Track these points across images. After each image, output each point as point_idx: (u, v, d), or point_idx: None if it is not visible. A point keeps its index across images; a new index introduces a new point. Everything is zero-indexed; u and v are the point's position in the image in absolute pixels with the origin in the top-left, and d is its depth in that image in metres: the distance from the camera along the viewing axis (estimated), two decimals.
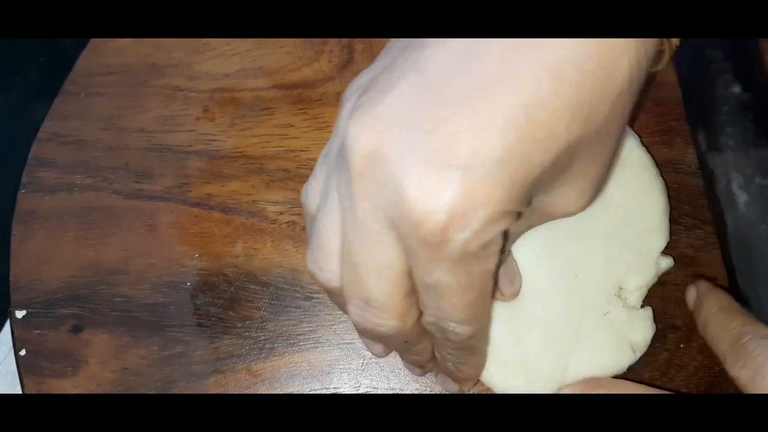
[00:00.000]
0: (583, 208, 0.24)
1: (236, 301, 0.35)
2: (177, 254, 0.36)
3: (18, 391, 0.35)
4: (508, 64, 0.19)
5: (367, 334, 0.24)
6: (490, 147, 0.19)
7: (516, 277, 0.30)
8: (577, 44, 0.20)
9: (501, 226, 0.20)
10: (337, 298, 0.24)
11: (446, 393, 0.32)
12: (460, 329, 0.23)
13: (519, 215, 0.22)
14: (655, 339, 0.31)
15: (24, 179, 0.38)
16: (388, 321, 0.23)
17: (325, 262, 0.23)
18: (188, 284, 0.35)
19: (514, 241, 0.27)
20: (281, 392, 0.33)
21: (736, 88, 0.29)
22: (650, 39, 0.21)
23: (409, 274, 0.22)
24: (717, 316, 0.29)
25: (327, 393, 0.33)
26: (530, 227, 0.26)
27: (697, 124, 0.30)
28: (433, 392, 0.33)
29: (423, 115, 0.20)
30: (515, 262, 0.30)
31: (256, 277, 0.35)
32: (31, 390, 0.34)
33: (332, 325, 0.34)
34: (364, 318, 0.23)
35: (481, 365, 0.29)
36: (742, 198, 0.29)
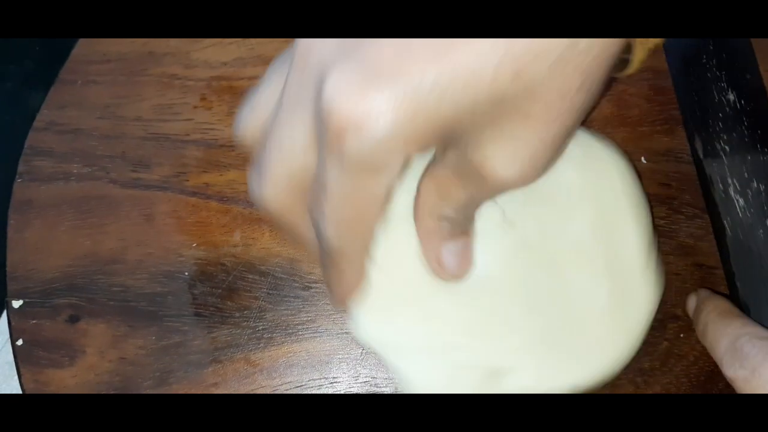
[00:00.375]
0: (518, 178, 0.23)
1: (234, 290, 0.35)
2: (174, 244, 0.35)
3: (15, 381, 0.35)
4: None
5: (255, 201, 0.26)
6: (413, 74, 0.20)
7: (467, 257, 0.29)
8: None
9: (399, 153, 0.21)
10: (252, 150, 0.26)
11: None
12: (329, 239, 0.24)
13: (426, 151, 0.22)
14: (655, 329, 0.31)
15: (20, 168, 0.37)
16: (266, 190, 0.24)
17: (251, 118, 0.25)
18: (186, 274, 0.35)
19: (474, 212, 0.27)
20: (280, 382, 0.33)
21: (731, 95, 0.29)
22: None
23: (307, 170, 0.23)
24: (715, 321, 0.29)
25: (326, 383, 0.33)
26: (479, 196, 0.26)
27: (694, 131, 0.30)
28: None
29: (359, 46, 0.21)
30: (473, 243, 0.29)
31: (255, 266, 0.35)
32: (28, 380, 0.34)
33: (331, 314, 0.34)
34: (252, 182, 0.25)
35: (346, 290, 0.28)
36: (739, 203, 0.29)
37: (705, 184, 0.31)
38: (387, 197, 0.24)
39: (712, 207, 0.30)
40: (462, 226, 0.28)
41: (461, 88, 0.20)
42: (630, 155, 0.34)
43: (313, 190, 0.24)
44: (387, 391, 0.33)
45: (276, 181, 0.24)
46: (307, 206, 0.25)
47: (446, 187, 0.25)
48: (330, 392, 0.33)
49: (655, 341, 0.32)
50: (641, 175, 0.34)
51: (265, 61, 0.38)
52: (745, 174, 0.29)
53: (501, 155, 0.23)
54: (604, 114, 0.35)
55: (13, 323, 0.35)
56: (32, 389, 0.34)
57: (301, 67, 0.23)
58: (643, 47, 0.25)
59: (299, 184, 0.24)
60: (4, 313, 0.35)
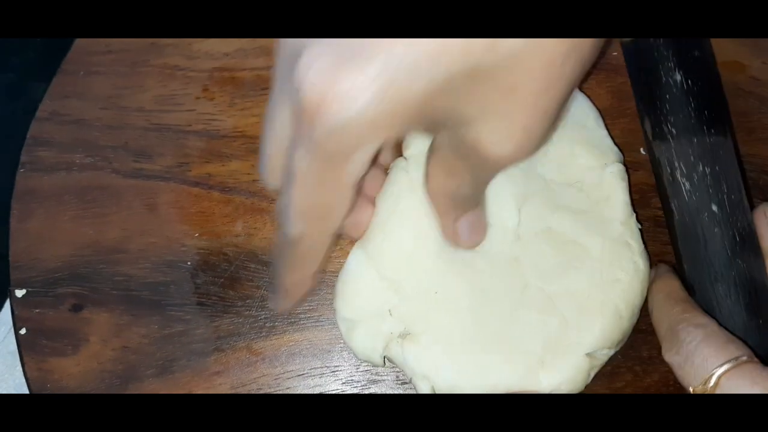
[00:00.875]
0: (515, 153, 0.23)
1: (236, 280, 0.35)
2: (177, 233, 0.36)
3: (18, 371, 0.35)
4: None
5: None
6: (382, 53, 0.20)
7: (480, 228, 0.30)
8: None
9: (371, 136, 0.21)
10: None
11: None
12: (290, 224, 0.24)
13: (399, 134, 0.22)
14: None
15: (23, 158, 0.37)
16: (263, 172, 0.25)
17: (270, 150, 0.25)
18: (188, 263, 0.35)
19: (484, 186, 0.27)
20: (282, 370, 0.33)
21: (678, 76, 0.29)
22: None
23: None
24: (661, 301, 0.30)
25: (327, 371, 0.33)
26: (484, 173, 0.26)
27: (644, 113, 0.30)
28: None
29: (339, 42, 0.21)
30: (486, 213, 0.30)
31: (257, 256, 0.35)
32: (32, 368, 0.34)
33: (332, 303, 0.34)
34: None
35: (295, 286, 0.28)
36: (685, 186, 0.29)
37: (655, 167, 0.31)
38: (354, 188, 0.23)
39: (662, 190, 0.30)
40: (472, 200, 0.28)
41: (432, 62, 0.20)
42: (630, 146, 0.35)
43: (282, 173, 0.24)
44: (387, 379, 0.33)
45: (270, 164, 0.25)
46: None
47: (451, 167, 0.25)
48: (331, 380, 0.33)
49: (654, 330, 0.32)
50: (641, 166, 0.35)
51: (267, 52, 0.38)
52: (692, 157, 0.29)
53: (493, 132, 0.23)
54: (604, 106, 0.35)
55: (16, 312, 0.35)
56: (36, 378, 0.34)
57: (282, 54, 0.23)
58: None
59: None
60: (7, 303, 0.36)
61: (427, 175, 0.27)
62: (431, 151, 0.26)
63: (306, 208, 0.24)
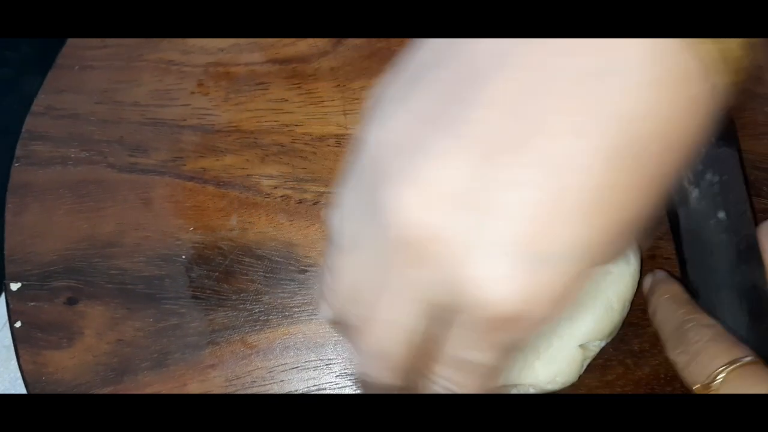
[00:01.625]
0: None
1: (231, 274, 0.35)
2: (172, 227, 0.36)
3: (13, 364, 0.35)
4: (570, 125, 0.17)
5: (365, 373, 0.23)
6: (566, 234, 0.17)
7: None
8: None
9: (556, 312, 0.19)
10: (340, 328, 0.23)
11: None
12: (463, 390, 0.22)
13: None
14: (644, 312, 0.31)
15: (18, 152, 0.38)
16: (385, 374, 0.22)
17: (342, 301, 0.22)
18: (183, 257, 0.35)
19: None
20: (276, 363, 0.33)
21: None
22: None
23: (428, 341, 0.21)
24: (665, 304, 0.30)
25: (321, 364, 0.33)
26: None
27: None
28: None
29: (484, 193, 0.17)
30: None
31: (251, 250, 0.35)
32: (27, 361, 0.34)
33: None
34: (364, 364, 0.22)
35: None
36: (693, 193, 0.30)
37: None
38: None
39: (668, 197, 0.31)
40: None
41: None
42: None
43: (446, 366, 0.21)
44: None
45: (388, 364, 0.21)
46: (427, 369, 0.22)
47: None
48: (325, 373, 0.33)
49: (645, 324, 0.32)
50: None
51: (262, 48, 0.38)
52: (700, 166, 0.30)
53: None
54: None
55: (11, 305, 0.35)
56: (30, 371, 0.34)
57: (406, 248, 0.18)
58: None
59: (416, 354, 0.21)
60: (2, 296, 0.36)
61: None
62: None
63: (481, 387, 0.22)
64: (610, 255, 0.18)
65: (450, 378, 0.22)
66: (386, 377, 0.22)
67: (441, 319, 0.20)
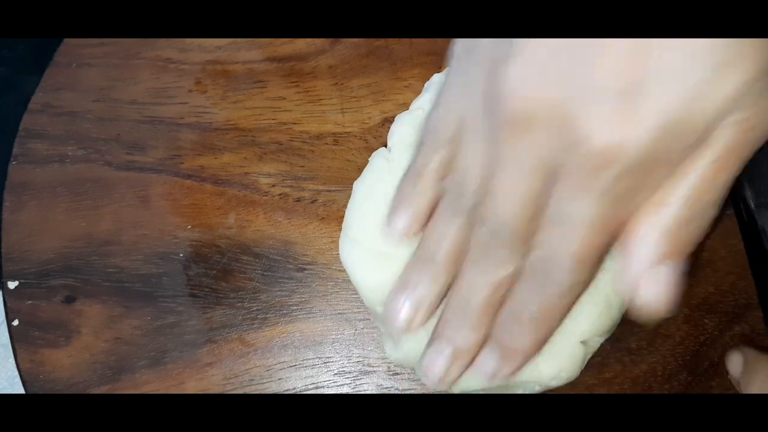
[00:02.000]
0: None
1: (229, 272, 0.35)
2: (169, 225, 0.36)
3: (10, 363, 0.35)
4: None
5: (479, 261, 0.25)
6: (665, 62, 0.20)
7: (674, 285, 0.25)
8: None
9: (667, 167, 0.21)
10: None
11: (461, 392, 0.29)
12: (563, 276, 0.24)
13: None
14: None
15: (15, 151, 0.37)
16: (511, 243, 0.24)
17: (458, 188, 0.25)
18: (181, 255, 0.35)
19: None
20: (274, 361, 0.33)
21: None
22: None
23: (541, 207, 0.23)
24: None
25: (320, 362, 0.33)
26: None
27: (744, 182, 0.31)
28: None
29: (580, 55, 0.21)
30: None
31: (249, 248, 0.35)
32: (24, 360, 0.34)
33: (324, 295, 0.34)
34: (487, 239, 0.24)
35: (537, 346, 0.27)
36: None
37: (752, 235, 0.31)
38: None
39: (761, 257, 0.31)
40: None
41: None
42: None
43: (549, 229, 0.23)
44: (379, 370, 0.33)
45: (516, 227, 0.24)
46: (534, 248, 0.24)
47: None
48: (323, 371, 0.33)
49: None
50: None
51: (259, 46, 0.38)
52: None
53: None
54: None
55: (8, 304, 0.35)
56: (28, 369, 0.34)
57: (519, 120, 0.22)
58: None
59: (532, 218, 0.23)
60: (0, 294, 0.36)
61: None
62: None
63: (581, 252, 0.23)
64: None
65: (552, 238, 0.23)
66: (510, 244, 0.24)
67: (550, 178, 0.22)
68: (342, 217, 0.31)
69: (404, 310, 0.27)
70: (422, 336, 0.28)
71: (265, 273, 0.35)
